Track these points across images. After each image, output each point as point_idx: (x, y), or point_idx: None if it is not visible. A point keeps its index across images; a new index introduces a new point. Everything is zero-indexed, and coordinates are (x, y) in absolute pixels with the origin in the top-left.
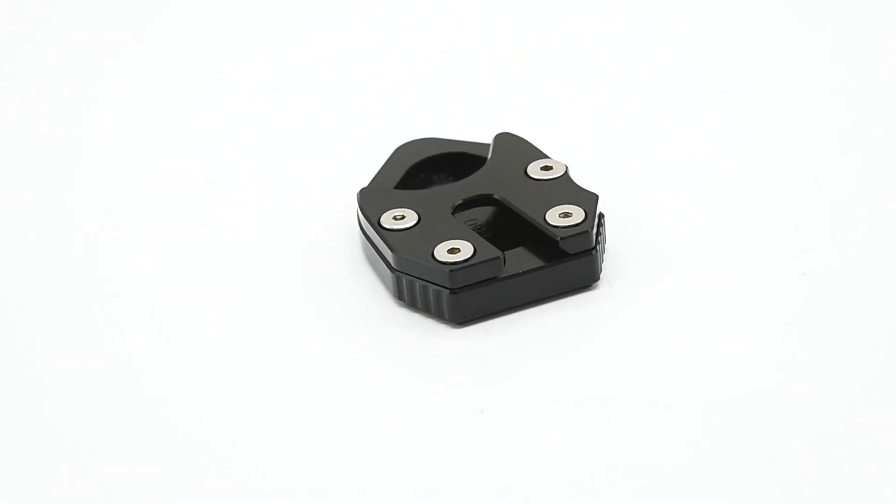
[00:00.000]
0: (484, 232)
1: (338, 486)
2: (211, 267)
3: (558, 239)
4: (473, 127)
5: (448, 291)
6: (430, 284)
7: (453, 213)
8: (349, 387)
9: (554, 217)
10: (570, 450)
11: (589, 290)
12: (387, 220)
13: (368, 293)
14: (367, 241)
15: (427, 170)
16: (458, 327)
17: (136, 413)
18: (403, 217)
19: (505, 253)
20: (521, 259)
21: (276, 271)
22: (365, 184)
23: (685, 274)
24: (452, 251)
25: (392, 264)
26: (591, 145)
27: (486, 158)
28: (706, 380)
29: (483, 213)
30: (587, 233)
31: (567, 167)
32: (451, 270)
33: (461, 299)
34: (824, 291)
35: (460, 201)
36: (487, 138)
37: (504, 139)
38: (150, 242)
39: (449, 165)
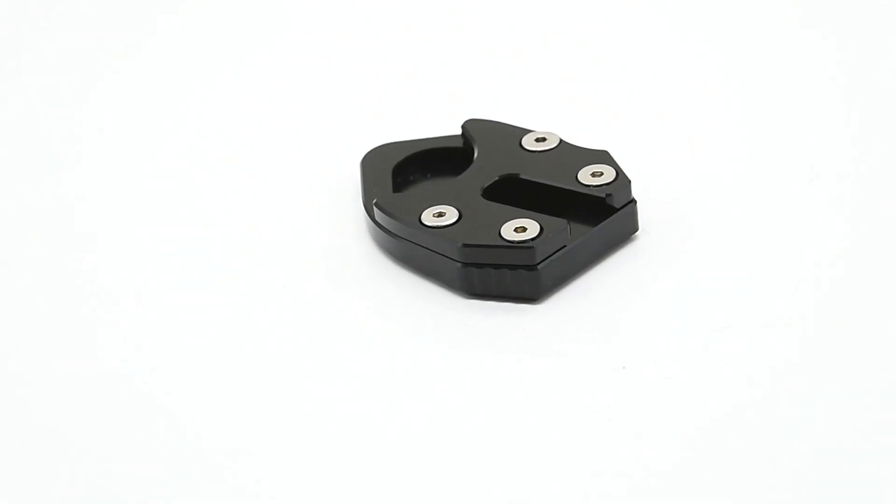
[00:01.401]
0: None
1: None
2: (241, 276)
3: (604, 196)
4: (411, 127)
5: (528, 269)
6: (505, 268)
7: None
8: (485, 384)
9: (587, 178)
10: (732, 379)
11: (630, 242)
12: (429, 220)
13: (423, 294)
14: (405, 244)
15: (404, 173)
16: (534, 303)
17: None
18: (443, 213)
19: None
20: (571, 226)
21: (310, 284)
22: (340, 193)
23: (709, 213)
24: (519, 230)
25: (460, 258)
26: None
27: (458, 149)
28: (793, 290)
29: (499, 195)
30: (629, 184)
31: (557, 134)
32: (533, 247)
33: (542, 274)
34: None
35: (486, 186)
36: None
37: (475, 125)
38: (150, 243)
39: (425, 164)
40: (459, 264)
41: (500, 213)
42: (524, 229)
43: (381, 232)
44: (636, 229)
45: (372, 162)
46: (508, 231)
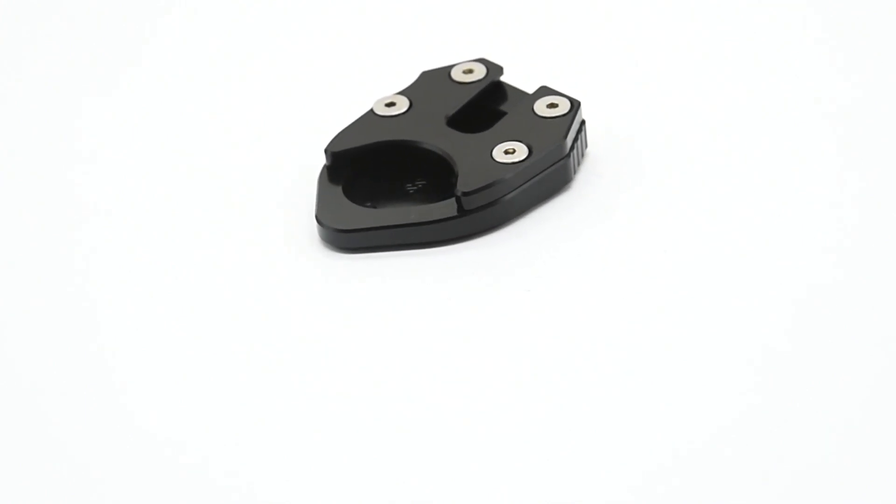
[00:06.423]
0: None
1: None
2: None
3: (501, 72)
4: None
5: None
6: (581, 139)
7: (493, 126)
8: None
9: (462, 77)
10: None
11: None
12: (505, 156)
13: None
14: (503, 205)
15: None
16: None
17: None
18: (513, 150)
19: None
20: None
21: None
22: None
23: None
24: (552, 106)
25: (564, 152)
26: None
27: (367, 160)
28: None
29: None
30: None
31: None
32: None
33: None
34: None
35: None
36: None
37: (340, 142)
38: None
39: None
40: (563, 161)
41: (520, 113)
42: (555, 105)
43: (469, 218)
44: None
45: (329, 218)
46: (542, 109)
